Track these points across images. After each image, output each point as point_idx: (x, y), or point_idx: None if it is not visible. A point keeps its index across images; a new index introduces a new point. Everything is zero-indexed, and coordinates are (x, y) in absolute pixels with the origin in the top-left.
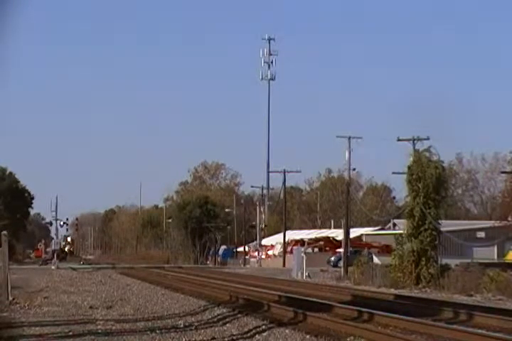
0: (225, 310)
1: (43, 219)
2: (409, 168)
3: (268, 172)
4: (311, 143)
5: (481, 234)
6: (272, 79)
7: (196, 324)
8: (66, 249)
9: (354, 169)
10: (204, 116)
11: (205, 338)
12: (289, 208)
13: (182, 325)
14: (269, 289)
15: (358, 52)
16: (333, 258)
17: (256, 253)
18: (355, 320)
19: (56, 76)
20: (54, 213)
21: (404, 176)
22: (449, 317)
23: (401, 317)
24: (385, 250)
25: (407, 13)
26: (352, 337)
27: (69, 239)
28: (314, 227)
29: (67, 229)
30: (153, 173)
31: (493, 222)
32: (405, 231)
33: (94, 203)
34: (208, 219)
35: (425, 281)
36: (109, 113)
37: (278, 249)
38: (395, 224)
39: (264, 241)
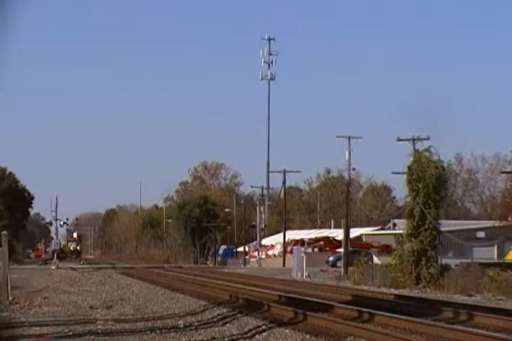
0: (225, 310)
1: (43, 219)
2: (409, 168)
3: (268, 172)
4: (311, 143)
5: (481, 234)
6: (272, 79)
7: (196, 324)
8: (72, 248)
9: (354, 169)
10: (204, 116)
11: (205, 338)
12: (288, 208)
13: (182, 325)
14: (269, 289)
15: (358, 52)
16: (331, 258)
17: (256, 253)
18: (355, 320)
19: (56, 75)
20: (54, 213)
21: (404, 176)
22: (449, 317)
23: (401, 317)
24: (385, 250)
25: (407, 13)
26: (352, 337)
27: (75, 235)
28: (314, 227)
29: (67, 229)
30: (153, 173)
31: (493, 222)
32: (405, 231)
33: (94, 203)
34: (207, 219)
35: (425, 281)
36: (108, 112)
37: (278, 249)
38: (395, 224)
39: (264, 241)
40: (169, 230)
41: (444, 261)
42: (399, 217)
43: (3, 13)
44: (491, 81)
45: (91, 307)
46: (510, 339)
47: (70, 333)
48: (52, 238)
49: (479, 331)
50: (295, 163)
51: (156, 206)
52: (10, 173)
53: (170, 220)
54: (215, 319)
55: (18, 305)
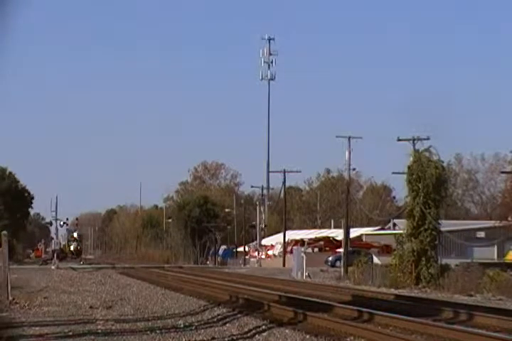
0: (225, 310)
1: (43, 219)
2: (409, 168)
3: (268, 172)
4: (311, 143)
5: (481, 234)
6: (272, 79)
7: (196, 324)
8: (72, 248)
9: (354, 169)
10: (204, 116)
11: (205, 338)
12: (288, 208)
13: (182, 325)
14: (269, 289)
15: (358, 52)
16: (330, 258)
17: (256, 253)
18: (355, 320)
19: (55, 75)
20: (54, 213)
21: (404, 176)
22: (449, 317)
23: (401, 317)
24: (385, 250)
25: (407, 14)
26: (352, 337)
27: (75, 235)
28: (314, 227)
29: (67, 229)
30: (153, 173)
31: (493, 222)
32: (405, 231)
33: (94, 203)
34: (207, 219)
35: (425, 281)
36: (109, 112)
37: (278, 249)
38: (395, 224)
39: (264, 241)
40: (169, 230)
41: (444, 261)
42: (399, 217)
43: (3, 13)
44: (491, 81)
45: (91, 307)
46: (510, 339)
47: (70, 333)
48: (52, 238)
49: (479, 331)
50: (295, 163)
51: (156, 206)
52: (10, 173)
53: (170, 220)
54: (215, 319)
55: (18, 305)
